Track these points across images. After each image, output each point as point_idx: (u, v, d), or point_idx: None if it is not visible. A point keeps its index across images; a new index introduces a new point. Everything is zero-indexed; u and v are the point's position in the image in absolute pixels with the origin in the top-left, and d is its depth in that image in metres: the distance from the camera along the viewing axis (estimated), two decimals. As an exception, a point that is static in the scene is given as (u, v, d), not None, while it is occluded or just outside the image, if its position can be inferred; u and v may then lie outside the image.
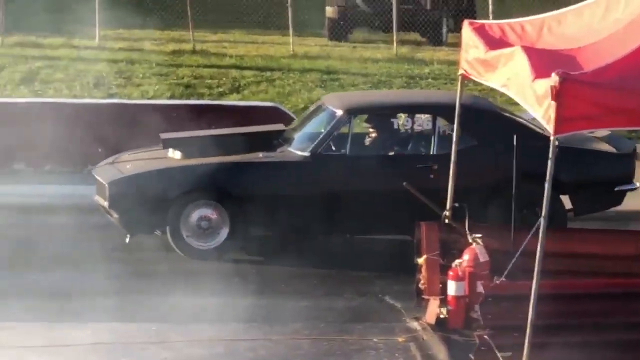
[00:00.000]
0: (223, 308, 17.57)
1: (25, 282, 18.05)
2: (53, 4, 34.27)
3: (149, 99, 27.14)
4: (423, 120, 20.36)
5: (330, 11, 33.95)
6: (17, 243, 19.69)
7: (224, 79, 28.98)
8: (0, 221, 21.08)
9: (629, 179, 20.25)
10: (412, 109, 20.75)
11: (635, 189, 20.28)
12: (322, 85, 27.38)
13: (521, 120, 20.11)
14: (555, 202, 15.07)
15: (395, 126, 20.53)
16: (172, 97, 27.33)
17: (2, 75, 28.99)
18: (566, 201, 19.51)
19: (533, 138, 18.62)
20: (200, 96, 27.59)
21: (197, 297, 17.97)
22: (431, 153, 19.91)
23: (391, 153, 20.27)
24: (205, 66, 30.06)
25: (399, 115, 20.64)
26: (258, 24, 33.31)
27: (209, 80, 28.96)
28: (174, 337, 16.69)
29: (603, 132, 18.48)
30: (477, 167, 18.16)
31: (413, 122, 20.45)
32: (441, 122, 20.10)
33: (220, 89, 28.25)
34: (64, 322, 16.96)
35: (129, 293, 18.01)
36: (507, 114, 20.38)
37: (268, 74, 29.49)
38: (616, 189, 20.10)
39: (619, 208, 20.17)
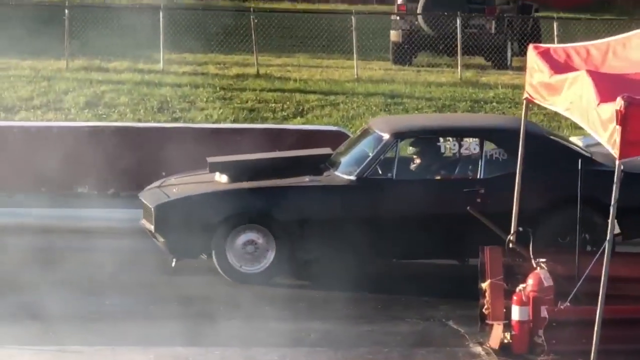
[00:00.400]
0: (284, 332, 17.54)
1: (85, 306, 18.01)
2: (118, 28, 34.34)
3: (212, 122, 27.13)
4: (470, 144, 20.23)
5: (394, 35, 33.94)
6: (77, 266, 19.61)
7: (287, 102, 28.96)
8: (62, 244, 21.03)
9: None
10: (458, 133, 20.64)
11: None
12: (387, 109, 27.32)
13: (569, 144, 19.99)
14: (603, 227, 14.92)
15: (442, 150, 20.36)
16: (235, 121, 27.32)
17: (66, 99, 28.97)
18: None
19: (582, 162, 18.50)
20: (264, 120, 27.54)
21: (254, 322, 17.93)
22: (478, 177, 19.78)
23: (438, 177, 20.19)
24: (269, 90, 30.02)
25: (445, 138, 20.51)
26: (322, 48, 33.25)
27: (273, 104, 28.94)
28: (268, 355, 16.71)
29: None
30: (527, 191, 17.86)
31: (460, 146, 20.30)
32: (488, 146, 19.98)
33: (284, 113, 28.24)
34: (127, 345, 16.94)
35: (185, 317, 17.90)
36: (556, 138, 20.28)
37: (332, 97, 29.43)
38: None
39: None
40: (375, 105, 28.29)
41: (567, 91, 15.59)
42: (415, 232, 19.31)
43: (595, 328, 14.42)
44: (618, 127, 14.04)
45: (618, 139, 14.05)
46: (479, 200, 18.81)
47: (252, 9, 34.30)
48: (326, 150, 21.41)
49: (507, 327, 16.27)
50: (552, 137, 20.05)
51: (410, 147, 20.41)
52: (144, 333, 17.29)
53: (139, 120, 26.94)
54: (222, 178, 20.17)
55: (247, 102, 29.08)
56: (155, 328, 17.44)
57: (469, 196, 19.01)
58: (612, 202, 14.64)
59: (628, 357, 14.97)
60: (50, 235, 21.57)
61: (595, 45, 16.91)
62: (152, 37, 32.57)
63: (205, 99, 29.13)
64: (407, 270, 19.82)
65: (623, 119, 14.00)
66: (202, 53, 33.65)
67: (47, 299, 17.90)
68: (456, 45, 32.33)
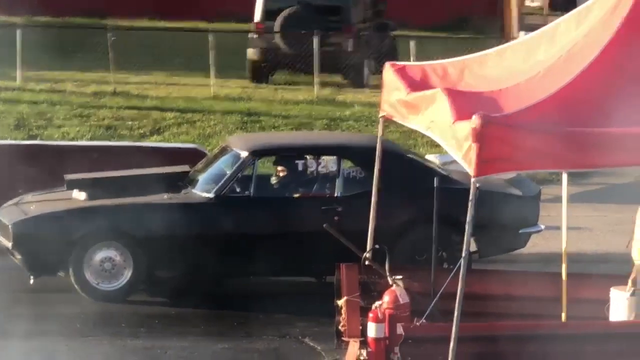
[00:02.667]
0: (141, 349, 17.61)
1: None
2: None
3: (69, 140, 27.04)
4: (327, 162, 20.37)
5: (251, 53, 34.04)
6: None
7: (144, 120, 28.95)
8: None
9: (534, 222, 20.51)
10: (316, 151, 20.84)
11: (539, 231, 20.52)
12: (244, 127, 27.42)
13: (426, 162, 20.30)
14: (460, 244, 15.10)
15: (300, 168, 20.51)
16: (92, 138, 27.26)
17: None
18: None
19: (438, 180, 18.68)
20: (121, 138, 27.50)
21: (111, 339, 17.97)
22: (335, 195, 19.96)
23: (296, 195, 20.28)
24: (127, 108, 30.02)
25: (302, 156, 20.67)
26: (180, 66, 33.25)
27: (130, 122, 28.93)
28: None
29: (510, 175, 18.54)
30: (384, 209, 17.95)
31: (318, 164, 20.45)
32: (346, 164, 20.21)
33: (141, 131, 28.24)
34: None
35: (41, 335, 17.97)
36: (413, 156, 20.59)
37: (189, 115, 29.49)
38: (520, 231, 20.36)
39: (529, 249, 20.22)
40: (232, 123, 28.37)
41: (425, 110, 15.72)
42: (273, 249, 19.44)
43: (451, 345, 14.54)
44: (474, 145, 14.17)
45: (474, 157, 14.18)
46: (336, 218, 18.98)
47: (106, 27, 34.25)
48: (184, 168, 21.46)
49: (363, 344, 16.30)
50: (408, 155, 20.30)
51: (266, 162, 20.50)
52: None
53: (-4, 138, 26.80)
54: (80, 195, 20.14)
55: (104, 119, 29.02)
56: (8, 347, 17.40)
57: (327, 214, 19.18)
58: (468, 220, 14.76)
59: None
60: None
61: (451, 63, 17.08)
62: (9, 54, 32.38)
63: (62, 117, 29.02)
64: (264, 288, 19.98)
65: (478, 136, 14.13)
66: (59, 70, 33.51)
67: None
68: (313, 64, 32.44)
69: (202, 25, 36.28)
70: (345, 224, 18.42)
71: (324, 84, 32.63)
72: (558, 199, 18.68)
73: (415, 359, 15.34)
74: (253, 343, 18.02)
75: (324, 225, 18.22)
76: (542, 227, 20.33)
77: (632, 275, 16.53)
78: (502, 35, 33.45)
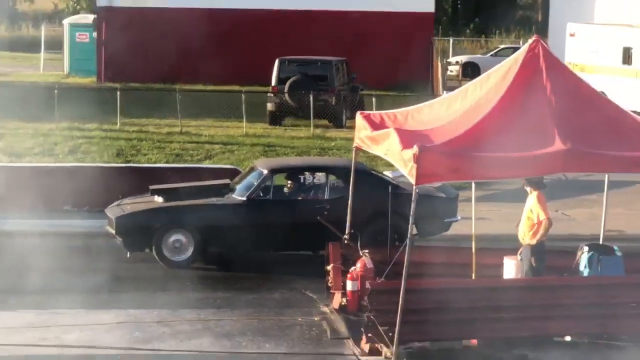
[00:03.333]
0: (199, 299, 17.70)
1: (66, 281, 17.75)
2: (93, 102, 34.04)
3: (152, 163, 27.05)
4: (320, 177, 20.52)
5: (270, 106, 33.73)
6: (65, 254, 19.41)
7: (200, 150, 28.88)
8: (60, 243, 20.75)
9: (454, 214, 20.60)
10: (312, 169, 20.98)
11: (457, 220, 20.53)
12: (264, 154, 27.51)
13: (383, 176, 20.39)
14: (406, 229, 15.22)
15: (302, 180, 20.58)
16: (167, 162, 27.23)
17: (56, 148, 28.76)
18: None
19: (391, 188, 18.89)
20: (185, 162, 27.49)
21: (180, 292, 18.01)
22: (325, 198, 19.94)
23: (299, 198, 20.30)
24: (189, 142, 29.89)
25: (304, 173, 20.79)
26: (223, 115, 33.10)
27: (191, 151, 28.83)
28: (169, 318, 16.71)
29: (437, 184, 18.65)
30: (356, 207, 18.09)
31: (313, 178, 20.60)
32: (331, 178, 20.25)
33: (198, 157, 28.15)
34: (96, 309, 16.97)
35: (135, 290, 18.01)
36: (375, 172, 20.57)
37: (229, 147, 29.41)
38: (445, 220, 20.48)
39: (451, 232, 20.32)
40: (257, 151, 28.37)
41: (384, 142, 15.90)
42: (284, 233, 19.45)
43: (401, 294, 14.69)
44: (414, 165, 14.36)
45: (414, 172, 14.41)
46: (325, 212, 18.98)
47: (176, 89, 34.21)
48: (226, 181, 21.43)
49: (344, 294, 16.64)
50: (372, 171, 20.35)
51: (280, 177, 20.58)
52: (110, 299, 17.36)
53: (105, 162, 26.78)
54: (159, 199, 20.18)
55: (174, 150, 28.96)
56: (115, 296, 17.51)
57: (319, 210, 19.18)
58: (412, 213, 14.96)
59: (421, 314, 15.14)
60: (51, 236, 21.36)
61: (399, 112, 17.19)
62: (112, 108, 32.37)
63: (146, 148, 28.99)
64: (279, 258, 19.82)
65: (417, 159, 14.34)
66: (145, 118, 33.39)
67: (49, 276, 17.97)
68: (310, 112, 32.42)
69: (236, 87, 36.07)
70: (331, 217, 18.52)
71: (317, 126, 32.45)
72: (469, 199, 18.76)
73: (378, 304, 15.37)
74: (272, 294, 18.04)
75: (318, 218, 18.67)
76: (459, 217, 20.39)
77: (520, 250, 16.65)
78: (432, 94, 33.19)
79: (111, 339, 15.59)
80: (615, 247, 17.09)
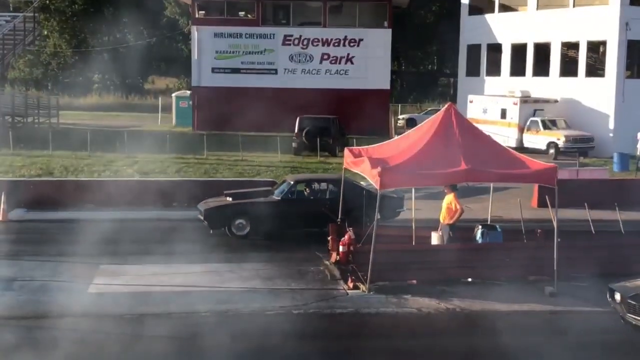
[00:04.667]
0: (253, 256, 17.56)
1: (174, 247, 17.60)
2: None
3: (224, 178, 26.85)
4: (324, 185, 20.29)
5: (294, 144, 33.45)
6: (173, 231, 19.43)
7: (254, 170, 28.81)
8: (170, 225, 20.70)
9: (401, 206, 20.31)
10: (317, 181, 20.67)
11: (403, 210, 20.23)
12: (291, 172, 27.38)
13: (361, 184, 20.05)
14: (374, 216, 15.16)
15: (313, 187, 20.26)
16: (234, 177, 27.02)
17: (168, 169, 28.82)
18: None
19: (364, 191, 18.98)
20: (245, 177, 27.28)
21: (243, 254, 17.97)
22: (326, 197, 19.67)
23: (312, 198, 19.94)
24: (247, 165, 29.67)
25: (314, 183, 20.53)
26: (267, 149, 32.92)
27: (249, 171, 28.62)
28: (235, 269, 16.71)
29: (392, 189, 18.47)
30: (344, 203, 17.95)
31: (319, 186, 20.31)
32: (330, 187, 19.95)
33: (252, 174, 27.94)
34: (192, 263, 16.94)
35: (214, 252, 17.83)
36: (356, 182, 20.24)
37: (271, 168, 29.38)
38: (397, 210, 20.27)
39: (400, 218, 20.08)
40: (286, 170, 28.27)
41: (361, 164, 15.92)
42: (304, 218, 19.26)
43: (371, 254, 14.73)
44: (379, 178, 14.37)
45: (379, 182, 14.40)
46: (326, 205, 18.86)
47: (239, 135, 34.24)
48: (269, 188, 21.33)
49: (338, 254, 16.38)
50: (354, 182, 20.17)
51: (301, 185, 20.45)
52: (201, 257, 17.22)
53: (196, 177, 26.80)
54: (229, 199, 20.08)
55: (239, 170, 28.84)
56: (203, 256, 17.34)
57: (323, 205, 19.00)
58: (377, 206, 14.97)
59: (383, 265, 15.12)
60: (165, 221, 21.40)
61: (369, 147, 17.27)
62: (201, 145, 32.34)
63: (222, 169, 28.91)
64: (300, 233, 19.55)
65: (380, 174, 14.36)
66: (221, 152, 33.14)
67: (164, 244, 18.07)
68: (317, 148, 32.39)
69: (274, 133, 35.89)
70: (330, 208, 18.39)
71: (321, 156, 32.45)
72: (410, 198, 18.67)
73: (357, 260, 15.41)
74: (296, 254, 17.91)
75: (322, 209, 18.57)
76: (405, 208, 20.19)
77: (440, 227, 16.65)
78: (388, 137, 33.12)
79: (201, 281, 15.61)
80: (497, 226, 17.14)
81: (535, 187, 23.41)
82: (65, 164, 28.48)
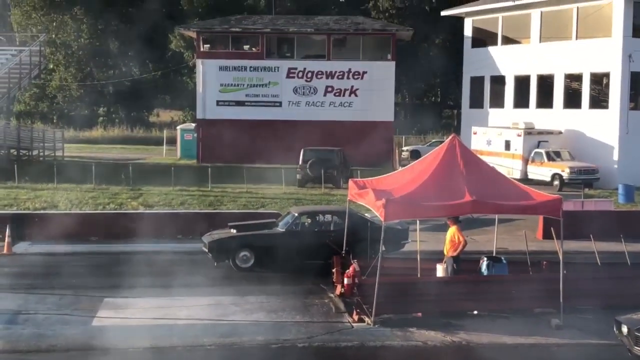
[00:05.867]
0: (258, 289, 17.58)
1: (178, 279, 17.70)
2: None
3: (229, 210, 26.83)
4: (328, 217, 20.21)
5: (298, 176, 33.24)
6: (177, 264, 19.45)
7: (258, 203, 28.65)
8: (175, 257, 20.77)
9: (406, 238, 20.19)
10: (322, 213, 20.60)
11: (408, 242, 20.11)
12: (295, 204, 27.26)
13: (365, 216, 19.97)
14: (378, 248, 15.18)
15: (317, 219, 20.16)
16: (239, 209, 27.06)
17: (179, 205, 28.82)
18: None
19: (369, 223, 18.91)
20: (249, 209, 27.19)
21: (247, 286, 17.90)
22: (331, 229, 19.55)
23: (316, 229, 19.75)
24: (251, 197, 29.63)
25: (319, 215, 20.48)
26: (271, 181, 32.89)
27: (253, 203, 28.54)
28: (239, 301, 16.62)
29: (397, 221, 18.36)
30: (349, 235, 17.94)
31: (324, 218, 20.22)
32: (335, 218, 19.89)
33: (257, 206, 27.90)
34: (197, 296, 16.95)
35: (219, 285, 17.85)
36: (360, 214, 20.09)
37: (275, 200, 29.23)
38: (402, 242, 20.16)
39: (405, 250, 19.98)
40: (291, 202, 28.19)
41: (366, 196, 15.94)
42: (308, 250, 19.08)
43: (376, 286, 14.67)
44: (383, 209, 14.39)
45: (383, 214, 14.41)
46: (331, 237, 18.77)
47: (243, 168, 34.27)
48: (273, 220, 21.22)
49: (342, 286, 16.40)
50: (359, 214, 20.06)
51: (305, 217, 20.41)
52: (205, 290, 17.26)
53: (201, 209, 26.90)
54: (233, 230, 20.03)
55: (243, 202, 28.77)
56: (207, 289, 17.38)
57: (327, 236, 18.87)
58: (381, 238, 14.96)
59: (388, 298, 15.06)
60: (169, 253, 21.39)
61: (374, 179, 17.27)
62: (205, 178, 32.40)
63: (226, 202, 28.79)
64: (305, 266, 19.24)
65: (384, 206, 14.37)
66: (225, 184, 33.12)
67: (168, 276, 18.02)
68: (322, 180, 32.41)
69: (279, 165, 35.84)
70: (334, 241, 18.34)
71: (326, 187, 32.37)
72: (415, 229, 18.71)
73: (362, 292, 15.35)
74: (300, 286, 17.83)
75: (327, 241, 18.48)
76: (410, 240, 20.10)
77: (444, 259, 16.62)
78: (392, 169, 33.11)
79: (205, 314, 15.58)
80: (502, 258, 17.11)
81: (540, 218, 23.40)
82: (69, 197, 28.51)
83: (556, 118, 38.34)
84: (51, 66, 64.74)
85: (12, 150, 40.52)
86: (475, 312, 15.86)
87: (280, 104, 43.35)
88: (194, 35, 45.89)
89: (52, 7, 66.70)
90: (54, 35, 65.55)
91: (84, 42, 67.39)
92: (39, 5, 66.78)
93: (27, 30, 63.59)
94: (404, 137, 52.63)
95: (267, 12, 60.37)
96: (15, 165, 32.87)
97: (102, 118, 68.13)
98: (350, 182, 17.61)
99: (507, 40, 41.82)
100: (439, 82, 67.60)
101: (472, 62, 43.33)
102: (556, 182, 34.56)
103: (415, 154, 43.24)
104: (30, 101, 69.37)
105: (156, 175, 33.71)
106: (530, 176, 35.61)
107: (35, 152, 43.52)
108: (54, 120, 66.63)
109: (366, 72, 43.13)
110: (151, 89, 67.41)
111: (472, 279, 16.34)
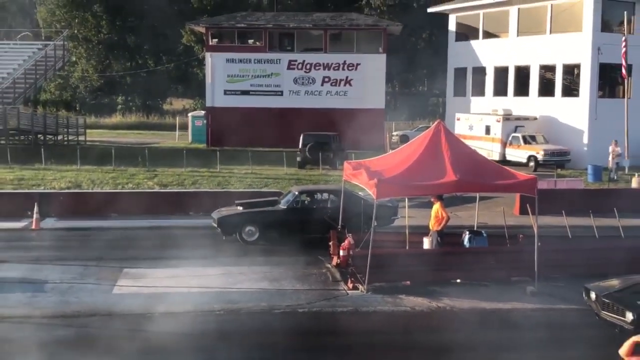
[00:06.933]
0: (262, 260, 17.50)
1: (191, 252, 17.59)
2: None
3: (236, 189, 26.72)
4: (324, 195, 20.06)
5: (298, 158, 33.13)
6: (189, 238, 19.37)
7: (261, 182, 28.57)
8: (187, 232, 20.66)
9: (396, 214, 20.11)
10: (320, 192, 20.39)
11: (397, 218, 20.03)
12: (296, 183, 27.03)
13: (359, 194, 19.84)
14: (371, 223, 15.16)
15: (316, 197, 20.03)
16: (245, 188, 27.02)
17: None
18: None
19: (362, 201, 18.70)
20: (254, 188, 27.06)
21: (251, 258, 17.87)
22: (328, 206, 19.43)
23: (314, 206, 19.62)
24: (255, 178, 29.52)
25: (317, 193, 20.32)
26: (273, 163, 32.84)
27: (257, 183, 28.46)
28: (246, 271, 16.60)
29: (388, 198, 18.35)
30: (344, 211, 17.97)
31: (321, 196, 20.09)
32: (331, 196, 19.75)
33: (260, 185, 27.79)
34: (207, 266, 16.91)
35: (225, 255, 17.89)
36: (354, 192, 20.00)
37: (277, 180, 29.09)
38: (392, 217, 20.10)
39: (395, 225, 19.96)
40: (292, 182, 28.00)
41: (360, 176, 15.89)
42: (308, 225, 18.94)
43: (369, 257, 14.67)
44: (375, 189, 14.34)
45: (375, 192, 14.37)
46: (328, 213, 18.76)
47: (249, 152, 34.05)
48: (275, 198, 21.15)
49: (339, 257, 16.38)
50: (353, 192, 19.99)
51: (305, 196, 20.34)
52: (215, 261, 17.25)
53: (210, 188, 26.80)
54: (240, 208, 20.00)
55: (249, 181, 28.62)
56: (217, 259, 17.42)
57: (325, 212, 18.92)
58: (374, 214, 14.93)
59: (379, 268, 15.04)
60: (182, 228, 21.32)
61: (367, 161, 17.22)
62: (214, 160, 32.09)
63: (234, 182, 28.57)
64: (305, 239, 19.01)
65: (377, 185, 14.33)
66: (232, 165, 33.00)
67: (181, 249, 18.02)
68: (319, 161, 32.34)
69: (281, 149, 35.78)
70: (330, 216, 18.32)
71: (323, 169, 32.22)
72: (404, 206, 18.72)
73: (356, 262, 15.33)
74: (300, 257, 17.82)
75: (324, 217, 18.52)
76: (399, 216, 20.08)
77: (430, 233, 16.61)
78: (384, 152, 32.97)
79: (215, 282, 15.56)
80: (483, 231, 17.12)
81: (517, 196, 23.40)
82: (91, 178, 28.43)
83: (532, 105, 38.27)
84: (74, 59, 64.52)
85: (39, 135, 40.65)
86: (459, 280, 15.87)
87: (281, 93, 43.18)
88: (203, 30, 45.78)
89: (74, 4, 66.42)
90: (76, 31, 65.29)
91: (103, 37, 67.14)
92: (62, 3, 66.48)
93: (51, 26, 63.36)
94: (394, 123, 52.45)
95: (269, 10, 60.05)
96: (42, 149, 32.77)
97: (120, 106, 68.03)
98: (345, 163, 17.58)
99: (488, 35, 41.65)
100: (426, 72, 67.35)
101: (456, 55, 43.19)
102: (531, 164, 34.54)
103: (404, 139, 43.20)
104: (55, 91, 69.16)
105: (170, 158, 33.69)
106: (508, 158, 35.57)
107: (59, 137, 43.58)
108: (77, 108, 66.45)
109: (360, 64, 42.96)
110: (165, 80, 67.30)
111: (455, 251, 16.35)
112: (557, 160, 34.04)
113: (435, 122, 16.46)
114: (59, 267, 16.72)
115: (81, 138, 45.30)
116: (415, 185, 15.07)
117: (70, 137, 44.60)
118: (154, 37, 65.34)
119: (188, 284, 15.39)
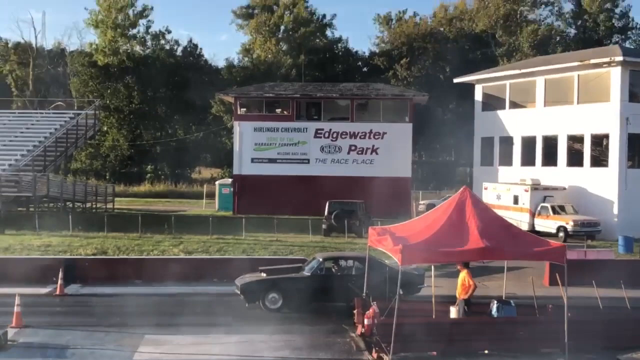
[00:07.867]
0: (287, 329, 17.31)
1: (214, 318, 17.49)
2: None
3: (260, 256, 26.70)
4: (349, 262, 19.92)
5: (324, 226, 33.25)
6: (213, 304, 19.30)
7: (287, 250, 28.53)
8: (211, 299, 20.65)
9: (422, 283, 19.88)
10: (344, 259, 20.24)
11: (424, 287, 19.80)
12: (320, 250, 26.92)
13: (384, 261, 19.59)
14: (395, 291, 14.97)
15: (341, 264, 19.86)
16: (270, 255, 26.95)
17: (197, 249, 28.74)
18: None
19: (387, 268, 18.46)
20: (280, 255, 26.96)
21: (276, 326, 17.65)
22: (352, 274, 19.30)
23: (339, 274, 19.50)
24: (280, 245, 29.51)
25: (341, 260, 20.15)
26: (298, 230, 32.82)
27: (283, 250, 28.41)
28: (266, 339, 16.40)
29: (414, 265, 18.21)
30: (369, 279, 17.77)
31: (346, 263, 19.94)
32: (356, 264, 19.60)
33: (285, 253, 27.75)
34: (229, 334, 16.72)
35: (251, 324, 17.71)
36: (379, 259, 19.73)
37: (303, 247, 29.08)
38: (418, 286, 19.85)
39: (421, 293, 19.72)
40: (317, 249, 27.89)
41: (385, 242, 15.75)
42: (333, 293, 18.86)
43: (394, 326, 14.42)
44: (399, 254, 14.21)
45: (399, 259, 14.22)
46: (353, 281, 18.62)
47: (275, 218, 34.33)
48: (300, 264, 20.96)
49: (363, 326, 16.14)
50: (378, 260, 19.73)
51: (329, 262, 20.20)
52: (236, 329, 17.12)
53: (235, 256, 26.73)
54: (263, 274, 19.92)
55: (274, 249, 28.64)
56: (239, 327, 17.28)
57: (350, 280, 18.83)
58: (398, 281, 14.75)
59: (405, 337, 14.78)
60: (206, 295, 21.27)
61: (392, 227, 17.11)
62: (240, 227, 32.34)
63: (258, 249, 28.72)
64: (329, 307, 19.12)
65: (402, 251, 14.20)
66: (258, 233, 32.99)
67: (204, 315, 17.75)
68: (345, 228, 32.27)
69: (306, 216, 35.81)
70: (355, 284, 18.16)
71: (349, 236, 32.16)
72: (430, 275, 18.48)
73: (382, 331, 15.09)
74: (324, 326, 17.57)
75: (349, 284, 18.37)
76: (425, 285, 19.78)
77: (457, 302, 16.35)
78: (409, 218, 32.91)
79: (236, 350, 15.36)
80: (511, 301, 16.81)
81: (547, 266, 23.05)
82: (117, 244, 28.62)
83: (560, 175, 38.05)
84: (105, 128, 65.98)
85: (67, 203, 41.13)
86: (486, 351, 15.48)
87: (308, 161, 43.58)
88: (232, 100, 46.68)
89: (107, 76, 68.32)
90: (107, 101, 66.98)
91: (134, 107, 68.67)
92: (95, 75, 68.40)
93: (84, 96, 65.02)
94: (421, 192, 52.48)
95: (297, 80, 61.19)
96: (70, 216, 33.16)
97: (149, 174, 68.98)
98: (370, 229, 17.46)
99: (514, 105, 41.84)
100: (453, 142, 67.62)
101: (483, 124, 43.36)
102: (561, 234, 34.09)
103: (431, 208, 43.02)
104: (86, 160, 70.39)
105: (196, 225, 33.83)
106: (537, 228, 35.17)
107: (88, 205, 44.04)
108: (107, 177, 67.49)
109: (386, 133, 43.37)
110: (194, 149, 68.33)
111: (483, 320, 16.03)
112: (587, 231, 33.56)
113: (461, 189, 16.40)
114: (81, 333, 16.66)
115: (109, 206, 45.83)
116: (441, 251, 14.88)
117: (99, 205, 45.20)
118: (183, 107, 66.69)
119: (209, 351, 15.21)
